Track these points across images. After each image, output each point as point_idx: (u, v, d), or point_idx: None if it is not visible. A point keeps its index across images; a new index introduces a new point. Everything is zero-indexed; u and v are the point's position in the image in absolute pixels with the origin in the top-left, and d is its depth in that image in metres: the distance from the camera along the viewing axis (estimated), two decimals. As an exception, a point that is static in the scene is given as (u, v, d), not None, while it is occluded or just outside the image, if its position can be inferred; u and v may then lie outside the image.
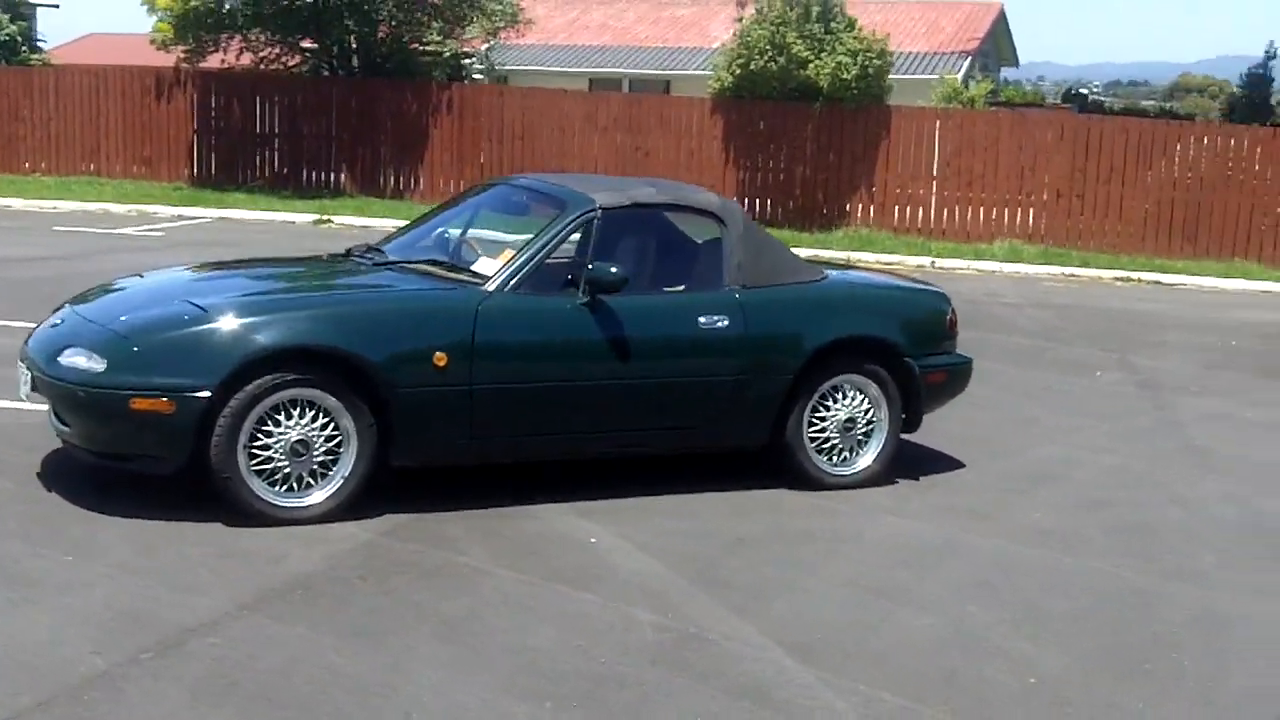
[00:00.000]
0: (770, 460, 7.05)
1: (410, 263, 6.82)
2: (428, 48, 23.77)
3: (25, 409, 7.30)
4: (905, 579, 5.84)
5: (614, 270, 6.38)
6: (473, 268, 6.59)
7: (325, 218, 20.04)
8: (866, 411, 7.13)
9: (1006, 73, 35.27)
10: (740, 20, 21.87)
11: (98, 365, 5.84)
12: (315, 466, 6.03)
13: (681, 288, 6.83)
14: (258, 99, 23.39)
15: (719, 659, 4.83)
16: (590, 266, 6.43)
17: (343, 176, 23.05)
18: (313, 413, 5.99)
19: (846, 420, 7.08)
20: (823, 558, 6.05)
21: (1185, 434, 9.02)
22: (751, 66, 21.26)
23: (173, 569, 5.40)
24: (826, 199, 21.57)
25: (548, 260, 6.54)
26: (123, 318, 6.10)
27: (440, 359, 6.12)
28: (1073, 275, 18.51)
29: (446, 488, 6.47)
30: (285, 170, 23.25)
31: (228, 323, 5.94)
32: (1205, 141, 20.69)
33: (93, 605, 4.98)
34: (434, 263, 6.77)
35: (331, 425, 6.03)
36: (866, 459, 7.15)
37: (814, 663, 4.84)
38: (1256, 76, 42.19)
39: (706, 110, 21.91)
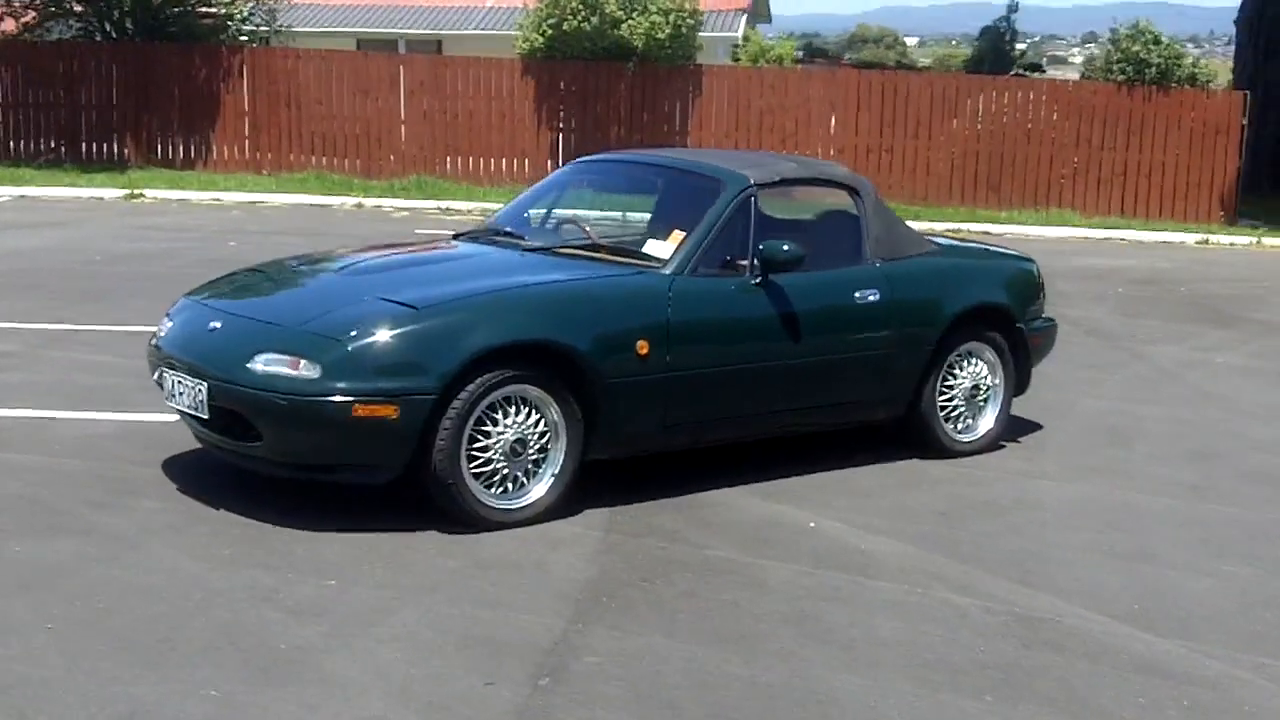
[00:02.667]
0: (906, 431, 7.07)
1: (566, 248, 6.54)
2: (212, 9, 22.58)
3: (93, 419, 6.76)
4: (1133, 540, 5.95)
5: (786, 248, 6.27)
6: (644, 250, 6.37)
7: (137, 192, 18.91)
8: (986, 377, 7.22)
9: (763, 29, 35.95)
10: (545, -21, 21.61)
11: (310, 371, 5.40)
12: (529, 465, 5.75)
13: (831, 263, 6.75)
14: (20, 67, 21.74)
15: (1079, 637, 4.83)
16: (761, 246, 6.30)
17: (127, 148, 21.72)
18: (527, 410, 5.70)
19: (971, 387, 7.16)
20: (1033, 525, 6.12)
21: (1190, 382, 9.47)
22: (564, 27, 21.08)
23: (452, 584, 5.07)
24: (642, 159, 21.54)
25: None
26: (316, 318, 5.64)
27: (642, 346, 5.92)
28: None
29: (593, 479, 6.19)
30: (63, 143, 21.76)
31: (444, 320, 5.59)
32: (1005, 96, 21.60)
33: (421, 632, 4.63)
34: (594, 247, 6.50)
35: (541, 421, 5.75)
36: (986, 424, 7.26)
37: (1173, 633, 4.89)
38: (993, 30, 44.31)
39: (517, 72, 21.61)
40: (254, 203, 18.95)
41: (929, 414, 6.98)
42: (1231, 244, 19.09)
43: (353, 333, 5.47)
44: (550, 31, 21.22)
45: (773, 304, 6.34)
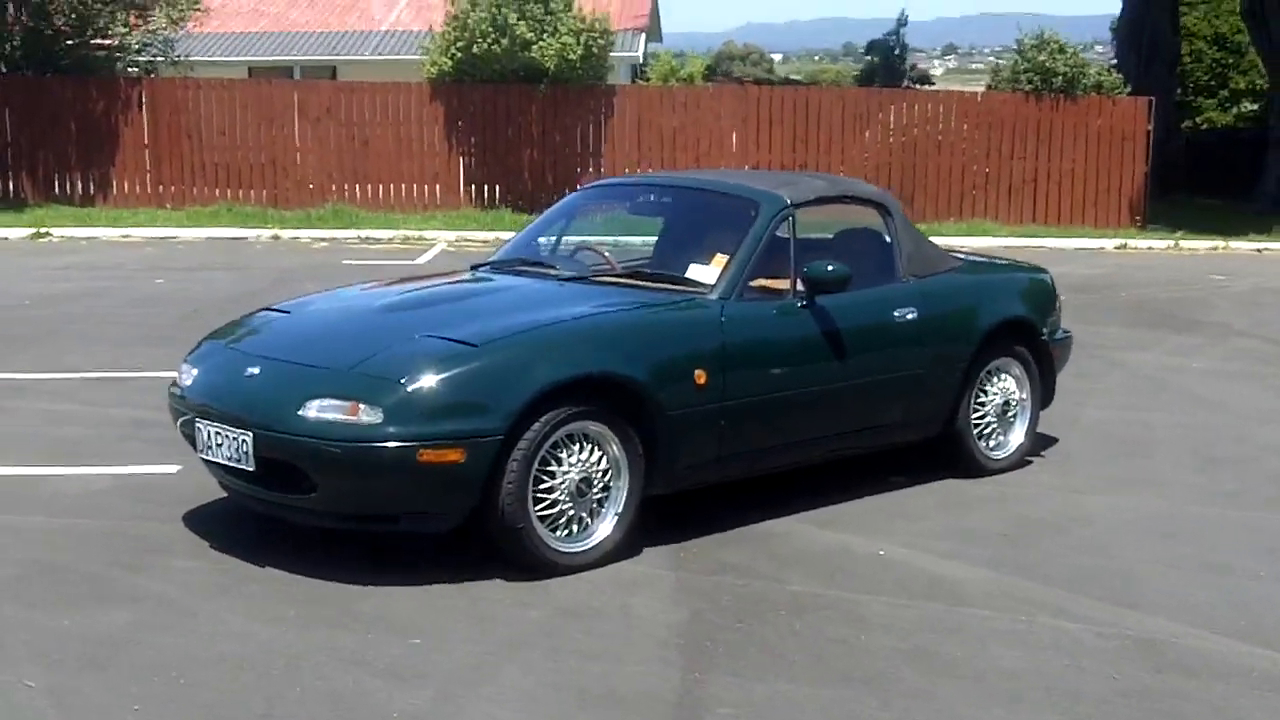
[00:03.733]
0: (940, 450, 6.92)
1: (603, 276, 6.30)
2: (108, 41, 21.88)
3: (85, 474, 6.40)
4: (1202, 553, 5.86)
5: (831, 268, 6.10)
6: (688, 275, 6.14)
7: (43, 231, 18.22)
8: (1015, 392, 7.12)
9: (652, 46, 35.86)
10: (452, 3, 21.29)
11: (369, 416, 5.09)
12: (593, 505, 5.50)
13: (866, 281, 6.58)
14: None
15: (1202, 657, 4.70)
16: (807, 268, 6.12)
17: (24, 186, 20.96)
18: (590, 447, 5.45)
19: (1003, 403, 7.05)
20: (1096, 541, 6.01)
21: (1178, 388, 9.48)
22: (474, 50, 20.76)
23: (543, 636, 4.80)
24: (556, 180, 21.29)
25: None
26: (367, 359, 5.33)
27: (700, 376, 5.70)
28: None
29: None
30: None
31: (505, 356, 5.32)
32: (915, 108, 21.72)
33: (534, 691, 4.36)
34: (635, 274, 6.27)
35: (603, 458, 5.50)
36: (1016, 439, 7.15)
37: (1293, 650, 4.80)
38: (883, 44, 44.64)
39: (425, 95, 21.25)
40: (165, 238, 18.37)
41: (964, 432, 6.85)
42: (1150, 248, 19.36)
43: (411, 374, 5.17)
44: (459, 55, 20.90)
45: (819, 326, 6.16)
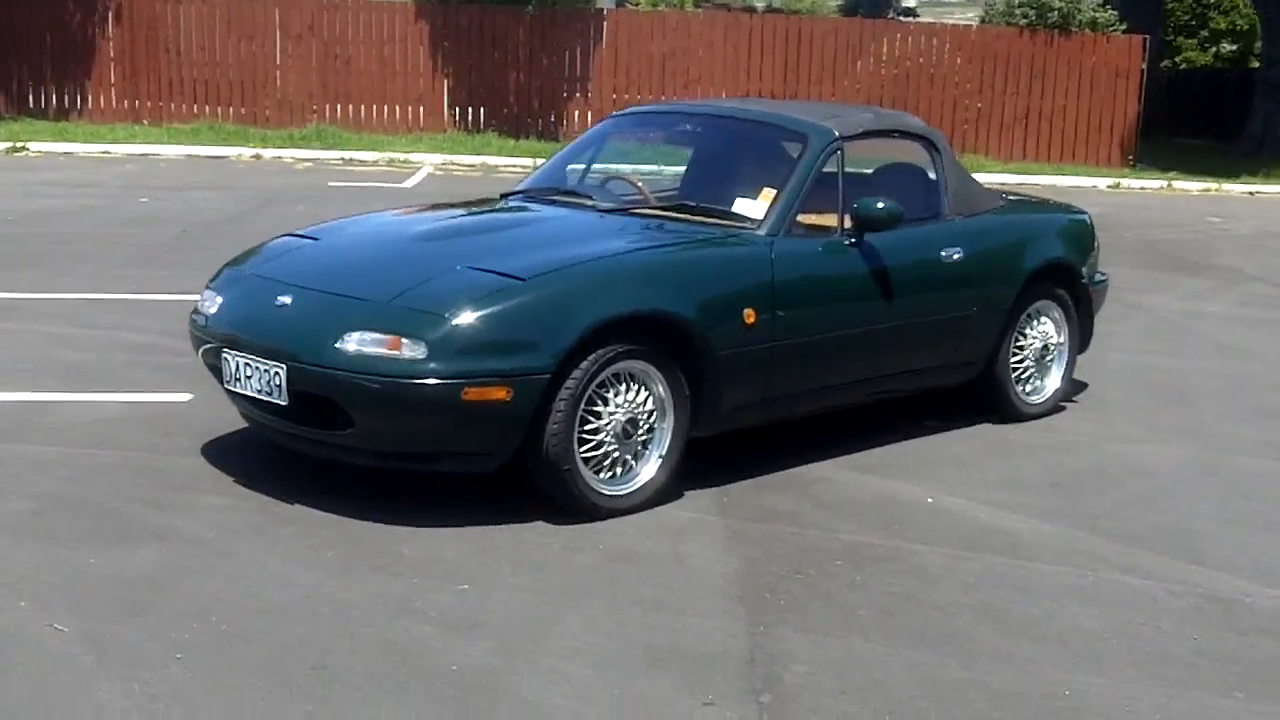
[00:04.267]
0: (978, 394, 6.73)
1: (645, 208, 6.04)
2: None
3: (94, 400, 6.15)
4: (1266, 509, 5.71)
5: (881, 205, 5.86)
6: (734, 210, 5.89)
7: (19, 145, 17.75)
8: (1054, 336, 6.92)
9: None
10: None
11: (412, 351, 4.84)
12: (638, 447, 5.28)
13: (913, 219, 6.34)
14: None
15: (1282, 619, 4.55)
16: (857, 204, 5.88)
17: (-2, 98, 20.45)
18: (636, 387, 5.23)
19: (1041, 347, 6.86)
20: (1152, 494, 5.84)
21: (1201, 333, 9.33)
22: (461, -31, 20.28)
23: (598, 584, 4.60)
24: (543, 105, 20.98)
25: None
26: (409, 291, 5.07)
27: (749, 315, 5.47)
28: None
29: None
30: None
31: (554, 291, 5.07)
32: (909, 41, 21.42)
33: (599, 643, 4.15)
34: (679, 207, 6.00)
35: (649, 399, 5.28)
36: (1053, 384, 6.96)
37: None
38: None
39: (410, 14, 20.79)
40: (146, 155, 17.95)
41: (1003, 376, 6.66)
42: (1143, 188, 19.21)
43: (456, 307, 4.91)
44: (446, -27, 20.43)
45: (868, 265, 5.94)
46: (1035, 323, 6.81)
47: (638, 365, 5.19)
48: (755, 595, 4.56)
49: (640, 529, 5.12)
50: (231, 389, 5.31)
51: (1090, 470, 6.10)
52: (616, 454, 5.19)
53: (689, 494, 5.50)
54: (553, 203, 6.25)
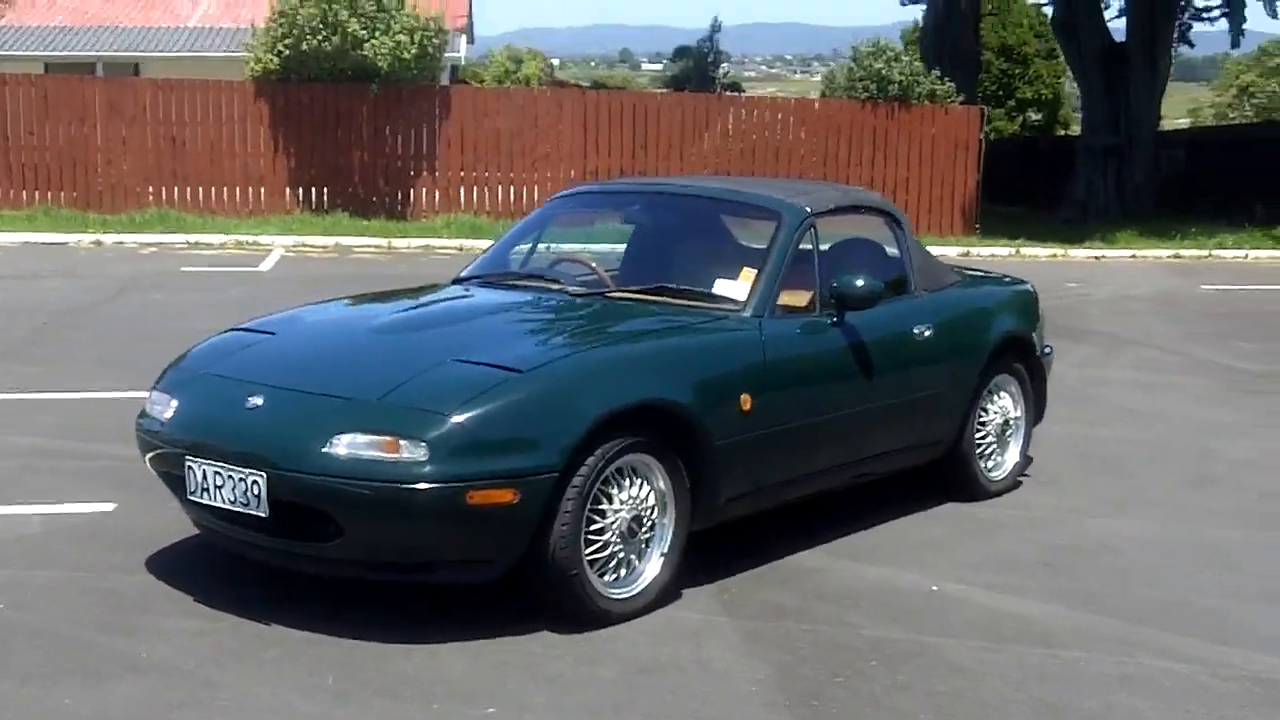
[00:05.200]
0: (945, 472, 6.58)
1: (621, 292, 5.76)
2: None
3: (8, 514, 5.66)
4: (1256, 580, 5.64)
5: (861, 283, 5.69)
6: (715, 291, 5.66)
7: None
8: (1012, 410, 6.83)
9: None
10: (276, -2, 20.36)
11: (414, 453, 4.48)
12: (642, 546, 4.99)
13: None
14: None
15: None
16: (836, 282, 5.70)
17: None
18: (639, 482, 4.94)
19: (1002, 422, 6.75)
20: (1142, 570, 5.72)
21: (1110, 401, 9.41)
22: (303, 47, 19.85)
23: (631, 700, 4.28)
24: (389, 183, 20.57)
25: None
26: (398, 388, 4.70)
27: (745, 402, 5.23)
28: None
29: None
30: None
31: (554, 384, 4.76)
32: (753, 114, 21.58)
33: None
34: (659, 289, 5.73)
35: (650, 494, 5.00)
36: (1011, 459, 6.86)
37: None
38: (692, 49, 44.25)
39: (250, 94, 20.25)
40: (-22, 243, 17.04)
41: (969, 453, 6.53)
42: (992, 255, 19.51)
43: (455, 404, 4.57)
44: (286, 52, 19.95)
45: (850, 345, 5.76)
46: (995, 398, 6.70)
47: (639, 458, 4.90)
48: (801, 704, 4.29)
49: (652, 635, 4.81)
50: (196, 500, 4.85)
51: (1069, 548, 5.97)
52: (621, 554, 4.88)
53: (686, 592, 5.21)
54: (514, 287, 5.94)
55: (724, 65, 46.63)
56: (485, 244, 18.27)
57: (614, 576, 4.88)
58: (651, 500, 4.96)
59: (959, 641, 4.83)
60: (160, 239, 17.68)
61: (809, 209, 5.89)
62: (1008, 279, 7.47)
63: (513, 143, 20.71)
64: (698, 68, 42.75)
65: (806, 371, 5.56)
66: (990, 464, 6.69)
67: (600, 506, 4.79)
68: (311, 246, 17.67)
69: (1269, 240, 21.52)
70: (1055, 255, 19.61)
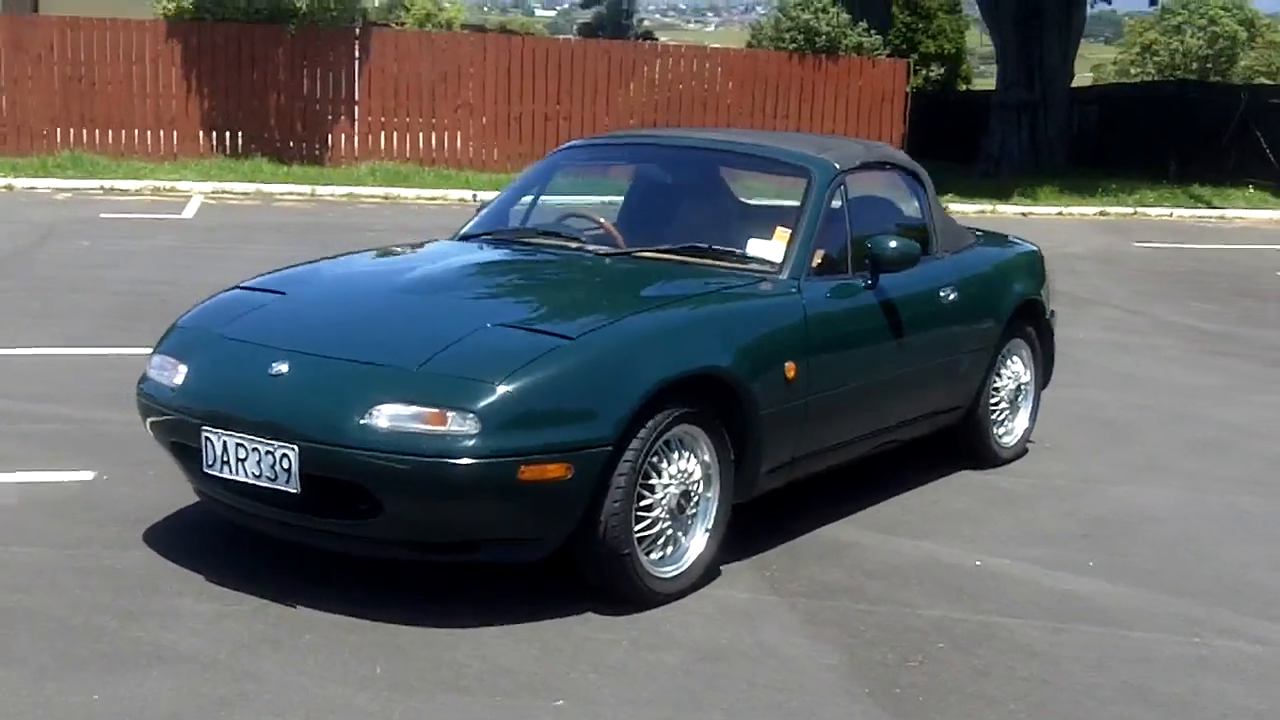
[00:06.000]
0: (960, 438, 6.38)
1: (649, 252, 5.44)
2: None
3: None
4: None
5: (895, 244, 5.45)
6: (748, 252, 5.37)
7: None
8: (1023, 374, 6.65)
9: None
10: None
11: (462, 425, 4.15)
12: (689, 522, 4.72)
13: (907, 256, 5.91)
14: None
15: None
16: (870, 243, 5.45)
17: None
18: (687, 454, 4.66)
19: (1015, 387, 6.57)
20: (1182, 541, 5.57)
21: (1092, 363, 9.25)
22: (218, -15, 19.11)
23: (706, 690, 4.02)
24: (306, 128, 19.94)
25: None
26: (438, 354, 4.37)
27: (790, 369, 4.97)
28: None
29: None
30: None
31: (606, 351, 4.46)
32: (680, 64, 21.25)
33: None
34: (690, 249, 5.41)
35: (696, 467, 4.72)
36: (1021, 425, 6.68)
37: None
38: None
39: (161, 34, 19.47)
40: (-121, 185, 16.22)
41: (984, 418, 6.34)
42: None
43: (504, 373, 4.24)
44: (200, -11, 19.21)
45: (884, 308, 5.51)
46: (1009, 362, 6.50)
47: (687, 429, 4.62)
48: (883, 691, 4.07)
49: (706, 617, 4.55)
50: (214, 474, 4.48)
51: (1102, 519, 5.81)
52: (670, 531, 4.61)
53: (724, 569, 4.94)
54: (529, 245, 5.60)
55: (638, 15, 46.15)
56: (412, 193, 18.19)
57: (660, 555, 4.61)
58: (698, 474, 4.68)
59: (1024, 621, 4.63)
60: (75, 184, 16.94)
61: (838, 165, 5.61)
62: (1016, 240, 7.25)
63: (435, 88, 20.17)
64: (611, 15, 42.19)
65: (846, 336, 5.31)
66: (1002, 430, 6.51)
67: (650, 481, 4.50)
68: (231, 193, 17.07)
69: (1188, 198, 21.66)
70: (984, 211, 19.55)
